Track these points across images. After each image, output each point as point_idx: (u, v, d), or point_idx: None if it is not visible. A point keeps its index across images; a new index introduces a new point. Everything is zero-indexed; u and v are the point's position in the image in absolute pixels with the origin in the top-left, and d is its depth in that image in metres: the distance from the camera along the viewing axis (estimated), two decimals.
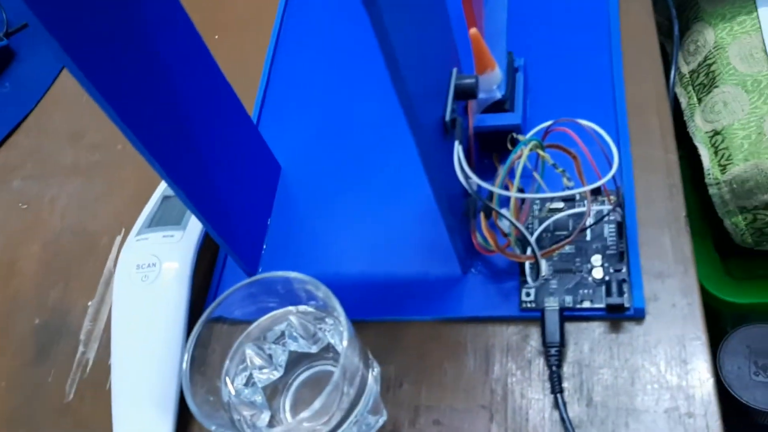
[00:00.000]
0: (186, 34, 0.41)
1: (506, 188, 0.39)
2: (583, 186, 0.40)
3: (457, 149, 0.36)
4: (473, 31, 0.41)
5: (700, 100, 0.60)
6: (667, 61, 0.52)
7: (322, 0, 0.63)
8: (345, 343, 0.35)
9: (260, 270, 0.49)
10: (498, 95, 0.43)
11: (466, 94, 0.38)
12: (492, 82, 0.44)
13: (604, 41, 0.51)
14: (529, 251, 0.40)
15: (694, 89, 0.62)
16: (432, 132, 0.35)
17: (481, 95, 0.44)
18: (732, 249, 0.64)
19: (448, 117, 0.37)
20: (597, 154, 0.38)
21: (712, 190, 0.57)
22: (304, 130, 0.55)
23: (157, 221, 0.48)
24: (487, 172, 0.47)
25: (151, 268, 0.46)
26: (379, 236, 0.48)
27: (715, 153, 0.57)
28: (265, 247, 0.50)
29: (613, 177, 0.38)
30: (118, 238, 0.55)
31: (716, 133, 0.57)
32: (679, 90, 0.63)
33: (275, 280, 0.37)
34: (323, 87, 0.57)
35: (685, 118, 0.61)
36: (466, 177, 0.37)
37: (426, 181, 0.35)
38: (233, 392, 0.39)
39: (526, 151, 0.38)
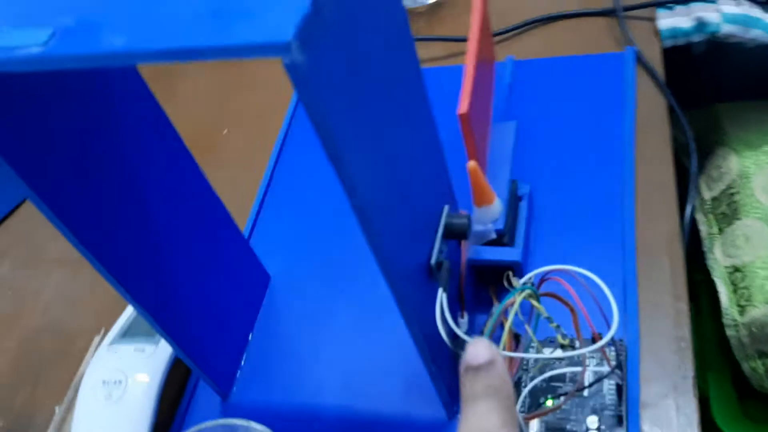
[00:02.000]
0: (170, 147, 0.39)
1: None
2: (579, 340, 0.36)
3: (441, 298, 0.34)
4: (471, 164, 0.39)
5: (721, 230, 0.57)
6: (686, 186, 0.49)
7: None
8: None
9: (234, 390, 0.46)
10: (493, 235, 0.40)
11: (456, 234, 0.36)
12: (490, 215, 0.41)
13: (616, 170, 0.48)
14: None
15: (715, 218, 0.58)
16: (413, 274, 0.32)
17: (478, 227, 0.41)
18: (751, 389, 0.59)
19: (434, 260, 0.34)
20: (596, 306, 0.35)
21: (729, 332, 0.53)
22: (300, 238, 0.53)
23: (132, 332, 0.46)
24: (482, 305, 0.44)
25: (117, 385, 0.43)
26: (363, 364, 0.44)
27: (735, 291, 0.53)
28: (243, 363, 0.47)
29: (612, 337, 0.35)
30: (96, 339, 0.52)
31: (736, 269, 0.54)
32: (699, 217, 0.60)
33: (235, 428, 0.34)
34: (324, 196, 0.55)
35: (704, 249, 0.58)
36: (448, 330, 0.33)
37: None
38: None
39: (518, 301, 0.35)
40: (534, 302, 0.36)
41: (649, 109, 0.51)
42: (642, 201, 0.46)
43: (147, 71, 0.37)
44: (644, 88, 0.52)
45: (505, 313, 0.36)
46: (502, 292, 0.43)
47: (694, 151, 0.49)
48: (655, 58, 0.54)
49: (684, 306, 0.42)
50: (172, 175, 0.39)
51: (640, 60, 0.54)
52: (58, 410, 0.49)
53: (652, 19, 0.56)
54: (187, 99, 0.69)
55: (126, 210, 0.36)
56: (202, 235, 0.42)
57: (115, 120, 0.35)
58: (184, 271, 0.41)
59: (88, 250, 0.33)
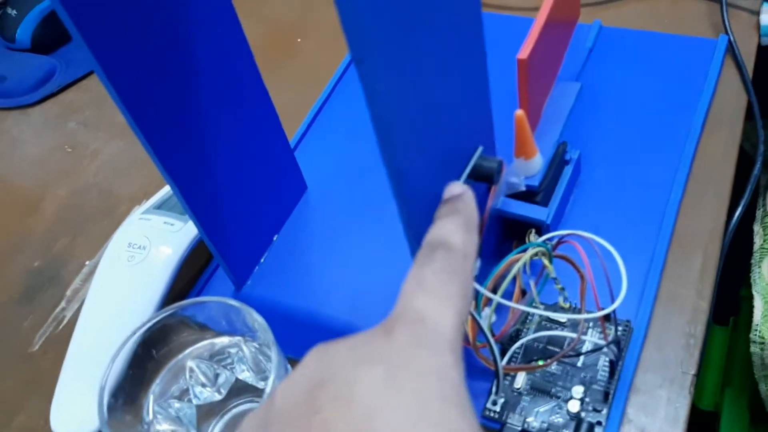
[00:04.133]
0: (232, 39, 0.40)
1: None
2: (582, 308, 0.36)
3: None
4: (518, 112, 0.38)
5: None
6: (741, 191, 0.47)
7: None
8: (272, 377, 0.33)
9: (248, 283, 0.47)
10: (522, 187, 0.40)
11: (483, 176, 0.35)
12: (529, 169, 0.41)
13: (674, 156, 0.46)
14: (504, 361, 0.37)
15: None
16: (428, 207, 0.32)
17: (512, 178, 0.41)
18: (764, 413, 0.57)
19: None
20: (608, 281, 0.35)
21: (753, 348, 0.51)
22: (344, 157, 0.53)
23: (166, 206, 0.48)
24: (503, 256, 0.44)
25: (140, 250, 0.45)
26: (375, 289, 0.45)
27: None
28: (263, 260, 0.48)
29: (614, 312, 0.34)
30: (137, 209, 0.54)
31: None
32: (757, 228, 0.57)
33: (238, 311, 0.36)
34: None
35: (752, 261, 0.55)
36: None
37: None
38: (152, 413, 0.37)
39: (529, 255, 0.35)
40: (545, 261, 0.35)
41: (727, 104, 0.49)
42: (692, 193, 0.45)
43: None
44: (728, 81, 0.50)
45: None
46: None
47: (761, 152, 0.47)
48: (748, 52, 0.51)
49: (704, 304, 0.41)
50: (229, 66, 0.40)
51: (731, 51, 0.51)
52: (88, 264, 0.52)
53: (756, 12, 0.53)
54: (270, 3, 0.69)
55: (178, 89, 0.37)
56: (248, 131, 0.43)
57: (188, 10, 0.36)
58: (224, 161, 0.42)
59: (135, 119, 0.34)
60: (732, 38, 0.51)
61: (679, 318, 0.40)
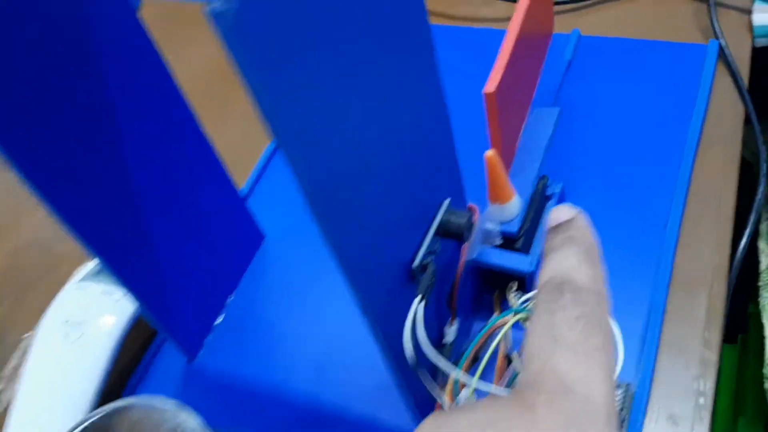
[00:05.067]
0: (156, 85, 0.35)
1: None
2: None
3: (415, 308, 0.29)
4: (489, 153, 0.33)
5: None
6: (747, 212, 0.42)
7: None
8: None
9: (201, 353, 0.42)
10: (497, 240, 0.35)
11: (452, 234, 0.31)
12: (505, 214, 0.36)
13: (668, 181, 0.41)
14: None
15: None
16: (387, 276, 0.27)
17: (489, 225, 0.36)
18: None
19: (417, 262, 0.29)
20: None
21: (767, 384, 0.47)
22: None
23: (105, 271, 0.43)
24: (484, 309, 0.39)
25: (77, 327, 0.40)
26: (342, 353, 0.40)
27: None
28: (218, 324, 0.43)
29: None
30: (80, 270, 0.49)
31: None
32: (762, 245, 0.52)
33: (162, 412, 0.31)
34: None
35: (760, 284, 0.51)
36: (416, 345, 0.29)
37: None
38: None
39: (509, 324, 0.30)
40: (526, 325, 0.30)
41: (722, 117, 0.44)
42: (690, 223, 0.40)
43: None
44: (721, 90, 0.45)
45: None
46: (507, 300, 0.38)
47: (764, 173, 0.42)
48: (741, 57, 0.46)
49: (713, 356, 0.36)
50: (155, 118, 0.35)
51: (723, 57, 0.46)
52: (26, 337, 0.47)
53: (747, 11, 0.48)
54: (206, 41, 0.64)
55: (90, 147, 0.32)
56: (185, 185, 0.38)
57: (92, 43, 0.31)
58: (159, 221, 0.37)
59: (37, 186, 0.29)
60: (723, 42, 0.46)
61: (686, 374, 0.35)
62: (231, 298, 0.44)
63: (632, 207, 0.41)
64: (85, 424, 0.30)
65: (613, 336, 0.21)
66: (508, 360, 0.34)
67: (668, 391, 0.35)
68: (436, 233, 0.30)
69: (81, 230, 0.32)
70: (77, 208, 0.32)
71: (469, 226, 0.31)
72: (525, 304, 0.32)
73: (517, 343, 0.32)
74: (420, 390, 0.34)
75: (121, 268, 0.35)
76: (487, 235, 0.35)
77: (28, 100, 0.28)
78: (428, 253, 0.30)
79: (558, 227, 0.24)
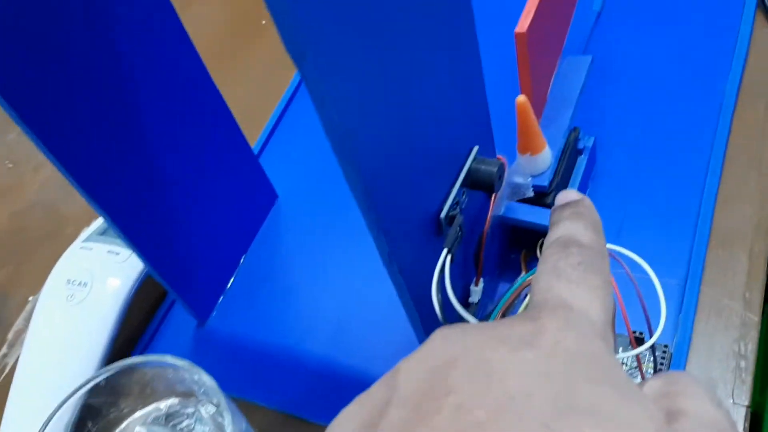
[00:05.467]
0: (172, 42, 0.33)
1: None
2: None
3: (443, 261, 0.27)
4: (520, 99, 0.31)
5: None
6: None
7: None
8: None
9: (213, 316, 0.40)
10: (530, 192, 0.32)
11: (480, 184, 0.28)
12: (536, 166, 0.34)
13: (707, 136, 0.39)
14: None
15: None
16: (414, 228, 0.25)
17: (517, 179, 0.34)
18: None
19: (444, 213, 0.27)
20: (640, 302, 0.28)
21: None
22: (316, 160, 0.46)
23: (111, 231, 0.41)
24: (511, 270, 0.37)
25: (81, 287, 0.38)
26: (357, 316, 0.38)
27: None
28: (229, 286, 0.41)
29: (653, 345, 0.27)
30: (85, 231, 0.47)
31: None
32: None
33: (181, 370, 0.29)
34: None
35: None
36: (444, 301, 0.27)
37: None
38: None
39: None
40: None
41: (762, 69, 0.41)
42: (730, 178, 0.38)
43: None
44: (761, 40, 0.43)
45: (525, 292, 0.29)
46: (536, 260, 0.36)
47: None
48: None
49: (754, 318, 0.34)
50: (171, 72, 0.33)
51: (762, 5, 0.43)
52: (32, 300, 0.45)
53: None
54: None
55: (100, 98, 0.30)
56: (199, 141, 0.36)
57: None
58: (170, 178, 0.35)
59: (36, 132, 0.27)
60: None
61: (725, 336, 0.33)
62: (243, 260, 0.42)
63: (668, 162, 0.38)
64: (93, 382, 0.29)
65: (611, 290, 0.22)
66: None
67: (707, 354, 0.33)
68: (464, 183, 0.28)
69: (87, 185, 0.30)
70: (84, 163, 0.30)
71: (500, 174, 0.28)
72: None
73: None
74: None
75: (128, 227, 0.33)
76: (516, 189, 0.33)
77: (38, 53, 0.27)
78: (455, 203, 0.27)
79: (565, 205, 0.26)
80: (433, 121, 0.25)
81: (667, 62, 0.42)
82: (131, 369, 0.29)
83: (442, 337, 0.20)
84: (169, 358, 0.28)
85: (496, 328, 0.20)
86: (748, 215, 0.36)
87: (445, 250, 0.27)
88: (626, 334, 0.29)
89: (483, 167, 0.28)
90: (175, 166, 0.35)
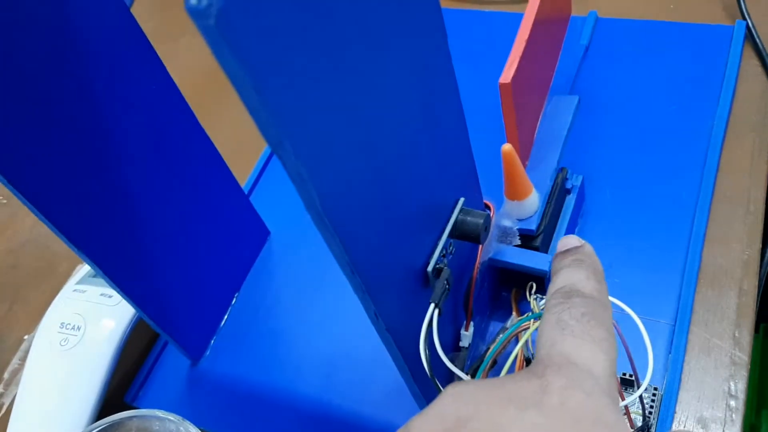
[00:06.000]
0: (154, 83, 0.33)
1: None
2: None
3: (430, 316, 0.27)
4: (506, 147, 0.31)
5: None
6: None
7: None
8: None
9: (206, 355, 0.40)
10: (515, 240, 0.33)
11: (467, 235, 0.29)
12: (523, 211, 0.34)
13: (695, 173, 0.39)
14: None
15: None
16: (400, 282, 0.26)
17: (506, 223, 0.34)
18: None
19: (431, 266, 0.27)
20: (624, 346, 0.28)
21: None
22: None
23: None
24: (501, 309, 0.37)
25: (75, 331, 0.38)
26: (352, 355, 0.38)
27: None
28: (222, 325, 0.41)
29: (641, 393, 0.28)
30: (79, 268, 0.48)
31: None
32: None
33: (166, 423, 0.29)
34: None
35: None
36: (429, 357, 0.27)
37: None
38: None
39: (531, 329, 0.28)
40: None
41: (750, 104, 0.42)
42: (717, 216, 0.38)
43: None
44: (749, 75, 0.43)
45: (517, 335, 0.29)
46: (525, 299, 0.36)
47: None
48: None
49: (744, 357, 0.34)
50: (156, 116, 0.33)
51: (750, 39, 0.44)
52: (27, 338, 0.45)
53: None
54: (197, 34, 0.62)
55: (82, 145, 0.30)
56: (183, 181, 0.36)
57: (84, 40, 0.29)
58: (158, 221, 0.35)
59: (16, 185, 0.28)
60: (750, 23, 0.44)
61: (715, 376, 0.34)
62: (236, 298, 0.42)
63: (657, 200, 0.39)
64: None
65: (615, 336, 0.22)
66: (527, 364, 0.33)
67: (698, 394, 0.33)
68: (451, 235, 0.28)
69: (71, 234, 0.30)
70: (67, 212, 0.30)
71: (486, 226, 0.29)
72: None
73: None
74: (434, 395, 0.32)
75: (116, 273, 0.33)
76: (504, 234, 0.33)
77: (16, 101, 0.27)
78: (442, 256, 0.28)
79: (566, 252, 0.26)
80: (416, 179, 0.25)
81: (654, 98, 0.43)
82: (122, 422, 0.29)
83: (453, 395, 0.21)
84: (158, 413, 0.28)
85: (504, 385, 0.20)
86: (737, 253, 0.37)
87: (432, 305, 0.27)
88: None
89: (469, 219, 0.28)
90: (163, 208, 0.35)
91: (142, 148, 0.33)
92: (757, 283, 0.36)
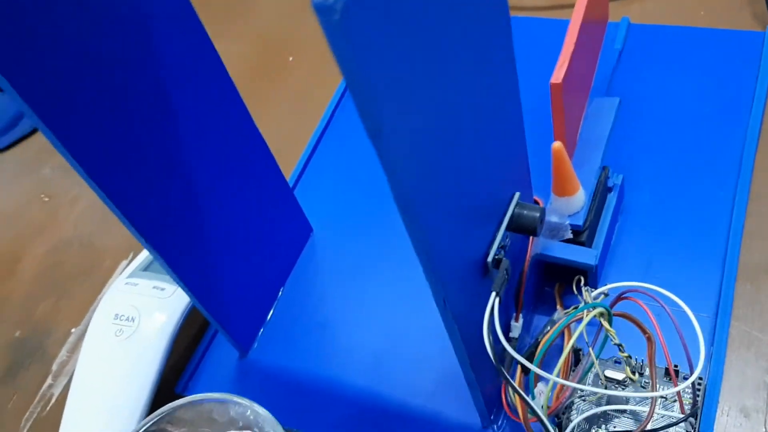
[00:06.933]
0: (211, 76, 0.34)
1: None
2: (651, 375, 0.30)
3: (492, 304, 0.28)
4: (556, 145, 0.33)
5: None
6: None
7: None
8: None
9: (254, 347, 0.42)
10: (568, 234, 0.34)
11: (524, 228, 0.30)
12: (570, 207, 0.35)
13: (731, 173, 0.40)
14: None
15: None
16: (463, 271, 0.27)
17: (553, 218, 0.35)
18: None
19: (491, 257, 0.28)
20: (677, 335, 0.29)
21: None
22: (350, 193, 0.47)
23: (154, 267, 0.42)
24: (545, 303, 0.39)
25: (129, 323, 0.39)
26: (398, 346, 0.39)
27: None
28: (269, 318, 0.43)
29: (695, 380, 0.29)
30: (123, 264, 0.49)
31: None
32: None
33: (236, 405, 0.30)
34: None
35: None
36: (493, 343, 0.28)
37: None
38: None
39: (586, 320, 0.29)
40: (605, 323, 0.30)
41: None
42: (755, 214, 0.39)
43: None
44: None
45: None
46: (569, 293, 0.37)
47: None
48: None
49: None
50: (210, 106, 0.34)
51: None
52: (74, 332, 0.46)
53: None
54: (257, 17, 0.63)
55: (147, 138, 0.31)
56: (239, 175, 0.38)
57: (150, 40, 0.30)
58: (213, 213, 0.36)
59: (92, 176, 0.29)
60: None
61: (756, 367, 0.35)
62: (281, 293, 0.43)
63: (694, 198, 0.40)
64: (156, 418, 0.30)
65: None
66: (575, 351, 0.34)
67: (740, 385, 0.34)
68: (508, 227, 0.30)
69: (138, 223, 0.31)
70: (135, 200, 0.31)
71: (542, 219, 0.30)
72: (598, 298, 0.31)
73: (591, 336, 0.32)
74: (489, 385, 0.33)
75: (176, 261, 0.34)
76: (555, 229, 0.34)
77: (88, 91, 0.28)
78: (500, 247, 0.29)
79: None
80: (484, 173, 0.27)
81: (688, 100, 0.44)
82: (193, 404, 0.30)
83: None
84: (227, 396, 0.29)
85: None
86: None
87: (493, 294, 0.28)
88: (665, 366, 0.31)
89: (526, 212, 0.30)
90: (220, 202, 0.37)
91: (201, 141, 0.34)
92: None
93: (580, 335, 0.30)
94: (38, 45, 0.25)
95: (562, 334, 0.34)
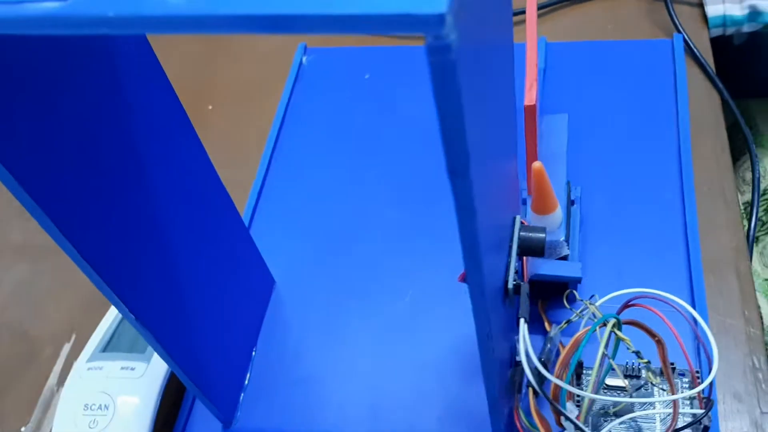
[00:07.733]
0: (177, 128, 0.32)
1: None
2: (667, 377, 0.31)
3: (523, 330, 0.28)
4: (537, 165, 0.33)
5: (757, 240, 0.53)
6: None
7: (336, 80, 0.54)
8: None
9: (238, 416, 0.39)
10: (566, 250, 0.35)
11: (532, 250, 0.30)
12: (551, 224, 0.36)
13: (672, 173, 0.43)
14: None
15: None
16: (493, 298, 0.27)
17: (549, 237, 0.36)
18: None
19: (511, 282, 0.28)
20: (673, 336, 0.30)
21: None
22: (305, 239, 0.46)
23: (116, 345, 0.39)
24: (532, 322, 0.39)
25: (103, 411, 0.36)
26: (391, 387, 0.38)
27: None
28: (247, 383, 0.40)
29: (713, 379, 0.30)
30: (66, 348, 0.45)
31: None
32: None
33: None
34: (330, 191, 0.48)
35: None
36: (531, 366, 0.28)
37: (452, 317, 0.31)
38: None
39: (607, 332, 0.30)
40: (619, 333, 0.30)
41: (701, 106, 0.46)
42: (703, 211, 0.41)
43: None
44: (693, 81, 0.47)
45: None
46: (553, 308, 0.38)
47: (755, 154, 0.45)
48: (703, 48, 0.49)
49: (757, 332, 0.37)
50: (177, 157, 0.32)
51: (688, 49, 0.49)
52: (24, 430, 0.42)
53: (699, 5, 0.51)
54: (170, 67, 0.60)
55: (121, 196, 0.29)
56: (207, 229, 0.36)
57: (121, 97, 0.28)
58: (186, 273, 0.34)
59: (72, 242, 0.26)
60: (686, 36, 0.49)
61: (737, 352, 0.37)
62: (255, 353, 0.41)
63: (646, 199, 0.42)
64: None
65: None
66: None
67: (727, 372, 0.36)
68: (518, 251, 0.30)
69: (117, 287, 0.29)
70: (112, 265, 0.28)
71: (545, 239, 0.30)
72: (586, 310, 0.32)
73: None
74: (507, 405, 0.33)
75: (157, 326, 0.32)
76: (552, 247, 0.35)
77: (56, 149, 0.25)
78: (516, 271, 0.29)
79: None
80: (504, 200, 0.27)
81: (617, 108, 0.47)
82: None
83: None
84: None
85: None
86: (726, 240, 0.40)
87: (522, 320, 0.28)
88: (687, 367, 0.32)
89: (531, 234, 0.30)
90: (192, 260, 0.34)
91: (174, 197, 0.32)
92: (749, 263, 0.40)
93: (594, 348, 0.30)
94: None
95: (560, 347, 0.34)
